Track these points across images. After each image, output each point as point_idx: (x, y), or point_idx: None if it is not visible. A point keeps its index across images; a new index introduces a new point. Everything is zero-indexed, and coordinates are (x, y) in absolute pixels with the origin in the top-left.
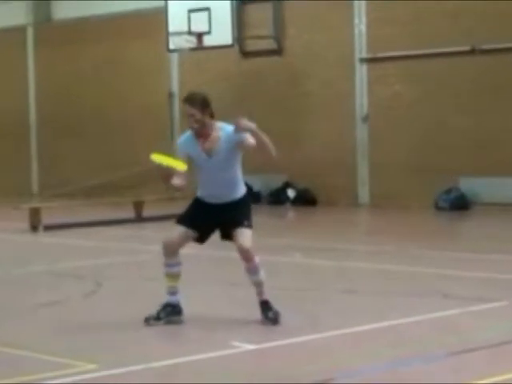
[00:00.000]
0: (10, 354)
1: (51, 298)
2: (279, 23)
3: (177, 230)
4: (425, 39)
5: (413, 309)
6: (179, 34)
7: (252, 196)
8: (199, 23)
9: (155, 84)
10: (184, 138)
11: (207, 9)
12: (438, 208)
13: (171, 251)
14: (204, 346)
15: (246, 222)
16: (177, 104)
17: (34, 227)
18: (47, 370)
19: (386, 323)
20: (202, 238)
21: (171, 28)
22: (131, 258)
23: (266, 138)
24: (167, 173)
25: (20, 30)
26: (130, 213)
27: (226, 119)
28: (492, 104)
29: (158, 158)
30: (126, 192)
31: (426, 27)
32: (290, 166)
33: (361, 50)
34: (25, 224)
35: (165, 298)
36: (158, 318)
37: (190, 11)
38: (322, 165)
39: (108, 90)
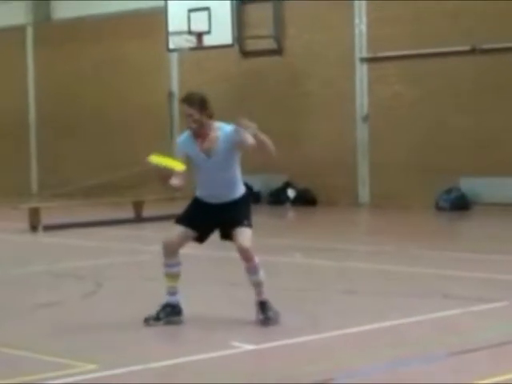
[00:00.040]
0: (9, 354)
1: (51, 299)
2: (279, 23)
3: (176, 230)
4: (425, 39)
5: (413, 309)
6: (179, 33)
7: (252, 196)
8: (199, 23)
9: (155, 84)
10: (182, 138)
11: (207, 8)
12: (438, 208)
13: (171, 251)
14: (204, 347)
15: (245, 222)
16: (176, 104)
17: (34, 227)
18: (47, 371)
19: (386, 323)
20: (201, 238)
21: (171, 28)
22: (131, 258)
23: (265, 138)
24: (165, 173)
25: (19, 30)
26: (129, 213)
27: (225, 119)
28: (492, 104)
29: (155, 159)
30: (125, 192)
31: (427, 27)
32: (290, 166)
33: (361, 49)
34: (24, 224)
35: (164, 299)
36: (157, 318)
37: (190, 11)
38: (323, 165)
39: (108, 89)
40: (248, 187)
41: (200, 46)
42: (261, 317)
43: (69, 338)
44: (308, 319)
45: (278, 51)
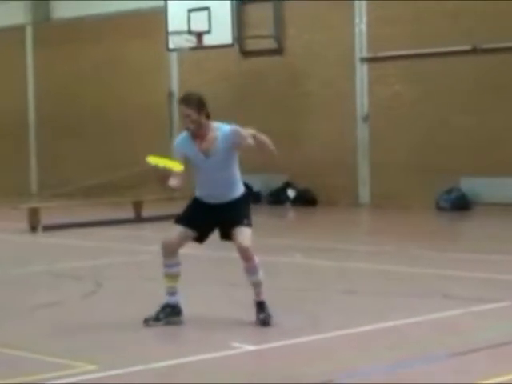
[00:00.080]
0: (9, 354)
1: (50, 299)
2: (279, 23)
3: (176, 230)
4: (425, 39)
5: (413, 309)
6: (179, 33)
7: (252, 196)
8: (199, 23)
9: (155, 83)
10: (180, 138)
11: (207, 8)
12: (438, 208)
13: (170, 251)
14: (204, 347)
15: (245, 221)
16: (176, 104)
17: (33, 227)
18: (47, 371)
19: (386, 324)
20: (201, 238)
21: (171, 27)
22: (131, 258)
23: (265, 138)
24: (164, 174)
25: (19, 30)
26: (129, 213)
27: (225, 119)
28: (493, 104)
29: (154, 160)
30: (125, 192)
31: (427, 27)
32: (290, 166)
33: (361, 49)
34: (24, 224)
35: (164, 299)
36: (157, 318)
37: (190, 10)
38: (323, 165)
39: (107, 89)
40: (248, 187)
41: (200, 46)
42: (261, 316)
43: (68, 338)
44: (308, 319)
45: (278, 51)
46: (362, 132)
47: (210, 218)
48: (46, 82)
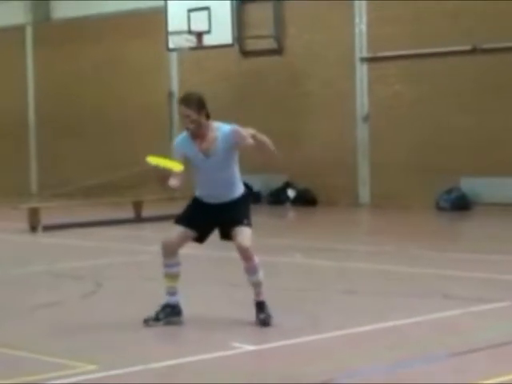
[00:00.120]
0: (8, 354)
1: (50, 299)
2: (279, 23)
3: (176, 230)
4: (425, 38)
5: (413, 309)
6: (179, 33)
7: (252, 196)
8: (199, 22)
9: (155, 83)
10: (180, 138)
11: (207, 8)
12: (438, 208)
13: (170, 251)
14: (204, 347)
15: (245, 221)
16: (176, 103)
17: (33, 227)
18: (46, 371)
19: (386, 324)
20: (201, 238)
21: (171, 27)
22: (131, 258)
23: (265, 138)
24: (164, 174)
25: (19, 29)
26: (129, 213)
27: (225, 119)
28: (493, 104)
29: (153, 160)
30: (125, 192)
31: (427, 26)
32: (291, 166)
33: (361, 49)
34: (24, 224)
35: (164, 299)
36: (157, 318)
37: (190, 10)
38: (323, 165)
39: (107, 89)
40: (248, 187)
41: (200, 46)
42: (261, 317)
43: (68, 338)
44: (308, 319)
45: (278, 51)
46: (362, 132)
47: (210, 218)
48: (46, 81)
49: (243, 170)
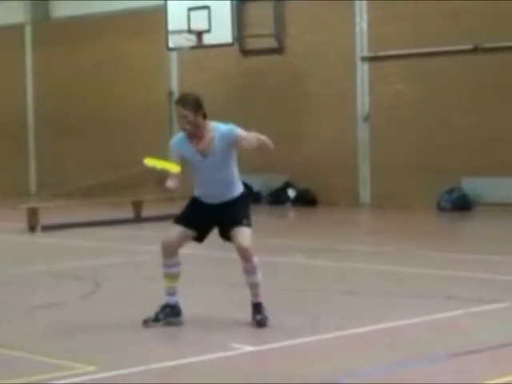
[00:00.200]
0: (7, 355)
1: (49, 299)
2: (280, 22)
3: (175, 230)
4: (426, 37)
5: (413, 310)
6: (179, 32)
7: (252, 196)
8: (199, 21)
9: (155, 83)
10: (177, 139)
11: (207, 7)
12: (439, 208)
13: (170, 251)
14: (203, 348)
15: (244, 221)
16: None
17: (32, 227)
18: (45, 372)
19: (386, 324)
20: (200, 237)
21: (171, 26)
22: (130, 258)
23: (265, 138)
24: (161, 176)
25: (18, 29)
26: (128, 213)
27: (225, 118)
28: (495, 103)
29: (151, 162)
30: (125, 192)
31: (428, 25)
32: (291, 166)
33: (362, 48)
34: (23, 224)
35: (164, 299)
36: (156, 319)
37: (190, 9)
38: (323, 164)
39: (107, 88)
40: (248, 187)
41: (200, 45)
42: (257, 318)
43: (68, 338)
44: (308, 320)
45: (278, 50)
46: (363, 132)
47: (209, 218)
48: (45, 81)
49: (243, 170)
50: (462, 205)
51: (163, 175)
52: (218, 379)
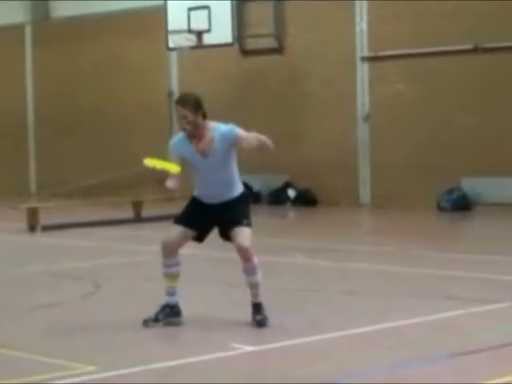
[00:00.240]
0: (7, 355)
1: (49, 299)
2: (280, 21)
3: (175, 230)
4: (427, 37)
5: (414, 310)
6: (179, 32)
7: (252, 196)
8: (199, 21)
9: (154, 83)
10: (177, 139)
11: (207, 7)
12: (439, 208)
13: (170, 251)
14: (203, 348)
15: (244, 221)
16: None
17: (32, 227)
18: (45, 372)
19: (386, 324)
20: (200, 237)
21: (171, 26)
22: (130, 258)
23: (263, 138)
24: (161, 176)
25: (18, 28)
26: (128, 213)
27: (226, 118)
28: (495, 103)
29: (151, 163)
30: (124, 192)
31: (428, 25)
32: (291, 166)
33: (362, 48)
34: (23, 224)
35: (163, 299)
36: (156, 319)
37: (190, 9)
38: (323, 164)
39: (107, 88)
40: (248, 187)
41: (200, 45)
42: (257, 318)
43: (68, 338)
44: (308, 320)
45: (278, 50)
46: (363, 131)
47: (209, 218)
48: (45, 81)
49: (243, 170)
50: (462, 205)
51: (163, 175)
52: (218, 379)
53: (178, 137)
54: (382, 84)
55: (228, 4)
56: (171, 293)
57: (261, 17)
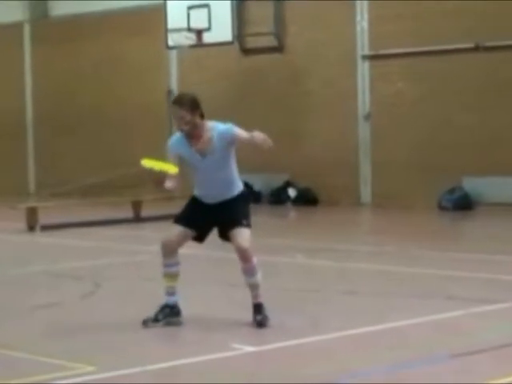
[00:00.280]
0: (6, 355)
1: (49, 299)
2: (280, 20)
3: (175, 230)
4: (428, 36)
5: (415, 310)
6: (178, 30)
7: (252, 195)
8: (199, 20)
9: (154, 81)
10: (175, 139)
11: (207, 5)
12: (440, 208)
13: (170, 251)
14: (203, 348)
15: (244, 222)
16: None
17: (31, 227)
18: (45, 372)
19: (387, 325)
20: (200, 237)
21: (170, 25)
22: (130, 258)
23: (263, 136)
24: (159, 177)
25: (17, 27)
26: (128, 213)
27: (225, 117)
28: (496, 102)
29: (149, 163)
30: (124, 191)
31: (429, 24)
32: (291, 165)
33: (363, 47)
34: (22, 224)
35: (163, 299)
36: (156, 319)
37: (190, 8)
38: (324, 164)
39: (106, 87)
40: (248, 186)
41: (200, 44)
42: (258, 318)
43: (67, 338)
44: (308, 320)
45: (278, 49)
46: (364, 131)
47: (209, 218)
48: (44, 80)
49: (243, 170)
50: (463, 204)
51: (161, 176)
52: (218, 379)
53: (176, 137)
54: (383, 83)
55: (228, 2)
56: (171, 293)
57: (261, 15)
